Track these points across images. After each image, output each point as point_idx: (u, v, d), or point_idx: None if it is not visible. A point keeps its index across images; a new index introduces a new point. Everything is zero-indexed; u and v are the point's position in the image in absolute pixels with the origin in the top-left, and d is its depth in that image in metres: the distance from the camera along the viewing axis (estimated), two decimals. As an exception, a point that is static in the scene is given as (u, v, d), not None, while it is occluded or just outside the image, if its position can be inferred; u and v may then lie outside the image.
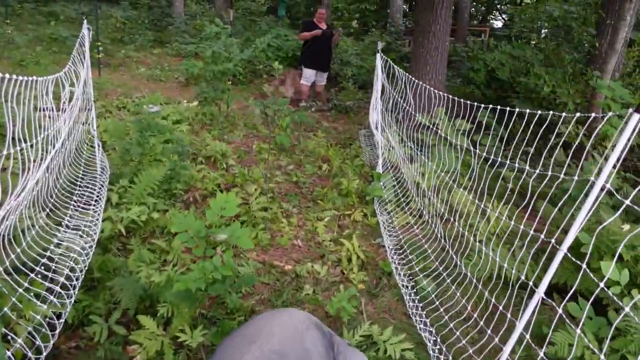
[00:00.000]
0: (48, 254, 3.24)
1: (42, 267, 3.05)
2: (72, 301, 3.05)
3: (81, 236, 3.68)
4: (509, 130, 3.82)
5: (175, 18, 15.12)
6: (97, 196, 4.40)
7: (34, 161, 2.98)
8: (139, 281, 3.25)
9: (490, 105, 3.31)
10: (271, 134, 7.52)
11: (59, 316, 2.87)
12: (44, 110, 3.84)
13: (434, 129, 5.68)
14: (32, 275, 2.88)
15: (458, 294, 3.63)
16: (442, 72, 8.14)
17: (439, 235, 4.38)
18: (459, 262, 3.84)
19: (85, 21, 5.55)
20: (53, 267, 3.17)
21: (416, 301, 3.73)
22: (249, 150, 6.85)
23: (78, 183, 4.39)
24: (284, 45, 10.09)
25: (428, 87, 5.39)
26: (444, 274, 3.91)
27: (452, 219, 4.62)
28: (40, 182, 3.40)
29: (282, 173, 6.12)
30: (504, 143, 3.99)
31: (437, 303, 3.66)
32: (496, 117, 3.33)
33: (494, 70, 8.16)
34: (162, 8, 15.63)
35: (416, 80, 5.42)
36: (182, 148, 4.82)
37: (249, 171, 5.76)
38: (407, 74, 5.88)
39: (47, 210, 3.69)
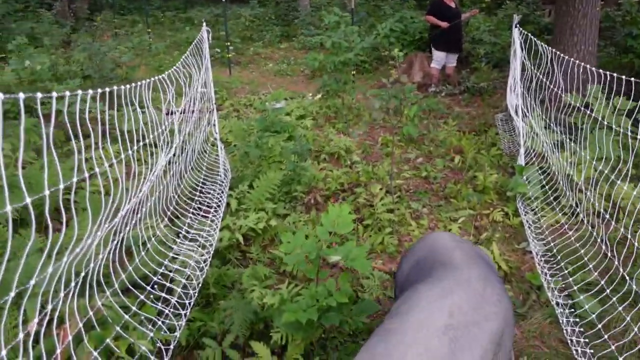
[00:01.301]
0: (162, 269, 3.07)
1: (155, 287, 2.88)
2: (184, 322, 2.84)
3: (198, 248, 3.50)
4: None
5: (301, 11, 15.02)
6: (218, 202, 4.23)
7: (149, 166, 2.81)
8: (251, 303, 2.96)
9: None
10: (398, 124, 7.03)
11: (168, 342, 2.66)
12: (170, 114, 3.72)
13: (587, 110, 4.83)
14: (142, 297, 2.71)
15: (628, 319, 2.90)
16: (593, 42, 7.03)
17: (598, 240, 3.63)
18: (626, 276, 3.09)
19: (204, 24, 5.43)
20: (167, 286, 2.99)
21: (574, 324, 3.06)
22: (374, 144, 6.40)
23: (199, 188, 4.25)
24: (409, 29, 9.46)
25: (577, 61, 4.56)
26: (607, 290, 3.17)
27: (613, 220, 3.83)
28: (158, 188, 3.25)
29: (410, 167, 5.60)
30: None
31: (600, 326, 2.95)
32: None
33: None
34: (288, 2, 15.63)
35: (562, 55, 4.60)
36: (302, 147, 4.50)
37: (373, 168, 5.32)
38: (550, 47, 5.06)
39: (166, 219, 3.55)
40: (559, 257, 3.67)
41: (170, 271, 3.12)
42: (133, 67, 9.20)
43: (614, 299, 3.06)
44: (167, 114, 3.78)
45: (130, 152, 2.53)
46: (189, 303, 2.97)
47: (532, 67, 5.13)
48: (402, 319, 1.88)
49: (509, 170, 5.42)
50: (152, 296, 2.82)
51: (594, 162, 3.97)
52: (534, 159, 4.93)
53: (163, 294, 2.85)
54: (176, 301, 2.91)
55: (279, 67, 11.29)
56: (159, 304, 2.80)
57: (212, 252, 3.51)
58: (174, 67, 3.52)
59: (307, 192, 4.70)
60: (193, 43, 4.52)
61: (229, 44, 10.90)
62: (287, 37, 14.11)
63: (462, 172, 5.41)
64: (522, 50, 5.30)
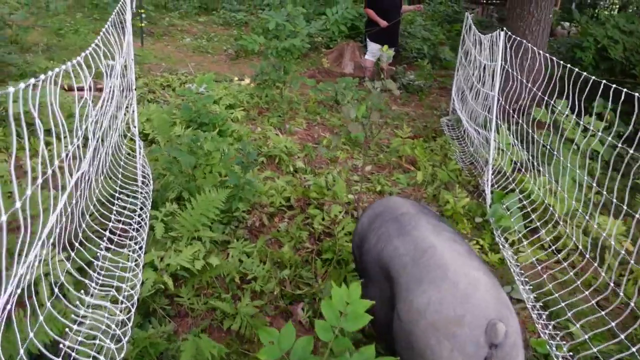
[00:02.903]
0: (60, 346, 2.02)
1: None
2: None
3: (114, 302, 2.46)
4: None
5: (223, -18, 13.68)
6: (137, 224, 3.17)
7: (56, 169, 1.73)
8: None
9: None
10: (341, 123, 6.19)
11: None
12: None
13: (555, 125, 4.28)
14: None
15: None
16: (543, 51, 6.59)
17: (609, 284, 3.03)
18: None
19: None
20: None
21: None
22: (316, 145, 5.53)
23: (115, 203, 3.16)
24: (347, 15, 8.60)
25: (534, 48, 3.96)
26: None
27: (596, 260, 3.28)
28: (63, 208, 2.17)
29: (361, 178, 4.79)
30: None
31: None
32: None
33: (605, 48, 6.57)
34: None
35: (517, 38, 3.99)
36: (248, 155, 3.53)
37: (324, 178, 4.46)
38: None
39: (73, 252, 2.46)
40: (563, 306, 3.02)
41: (71, 345, 2.09)
42: (26, 27, 7.58)
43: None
44: (68, 90, 2.68)
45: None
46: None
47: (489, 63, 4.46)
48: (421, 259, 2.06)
49: (468, 188, 4.78)
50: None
51: (559, 189, 3.38)
52: (502, 180, 4.29)
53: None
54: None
55: (197, 43, 10.01)
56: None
57: (135, 303, 2.50)
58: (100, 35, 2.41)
59: (249, 209, 3.74)
60: (117, 7, 3.36)
61: (142, 11, 9.46)
62: (207, 10, 12.74)
63: (421, 188, 4.69)
64: (491, 50, 4.63)
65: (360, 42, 9.81)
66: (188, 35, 10.65)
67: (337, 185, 4.12)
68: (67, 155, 2.04)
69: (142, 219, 3.26)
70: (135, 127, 3.91)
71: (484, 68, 4.91)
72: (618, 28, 6.75)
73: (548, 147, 3.88)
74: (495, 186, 4.34)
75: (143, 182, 3.70)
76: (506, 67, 3.98)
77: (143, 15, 9.59)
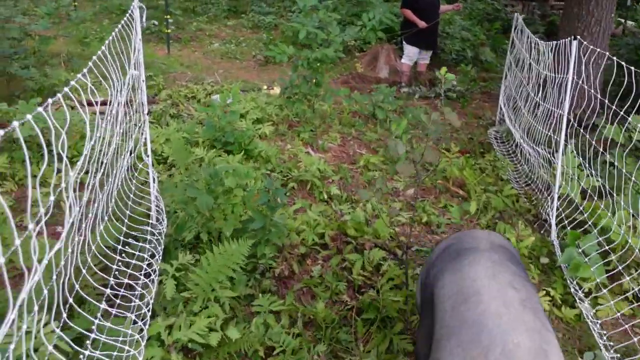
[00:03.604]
0: None
1: None
2: None
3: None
4: None
5: (252, -17, 13.15)
6: (146, 278, 2.64)
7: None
8: None
9: None
10: (379, 138, 5.58)
11: None
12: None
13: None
14: None
15: None
16: (603, 56, 5.85)
17: None
18: None
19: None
20: None
21: None
22: (351, 163, 4.94)
23: (119, 250, 2.65)
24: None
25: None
26: None
27: None
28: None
29: (404, 205, 4.19)
30: None
31: None
32: None
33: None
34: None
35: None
36: (275, 193, 2.96)
37: (360, 209, 3.88)
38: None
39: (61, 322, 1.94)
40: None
41: None
42: (47, 37, 7.18)
43: None
44: (89, 105, 2.19)
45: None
46: None
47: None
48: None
49: (528, 218, 4.13)
50: None
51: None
52: (570, 210, 3.62)
53: None
54: None
55: (226, 48, 9.51)
56: None
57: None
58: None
59: (277, 253, 3.19)
60: (121, 23, 2.84)
61: (168, 16, 9.02)
62: (236, 13, 12.22)
63: (474, 219, 4.06)
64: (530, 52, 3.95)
65: (396, 45, 9.16)
66: (216, 40, 10.17)
67: (377, 222, 3.52)
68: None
69: (152, 270, 2.74)
70: (148, 156, 3.39)
71: (545, 79, 4.25)
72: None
73: (624, 171, 3.21)
74: (562, 217, 3.68)
75: (157, 222, 3.19)
76: (579, 82, 3.33)
77: (170, 21, 9.15)
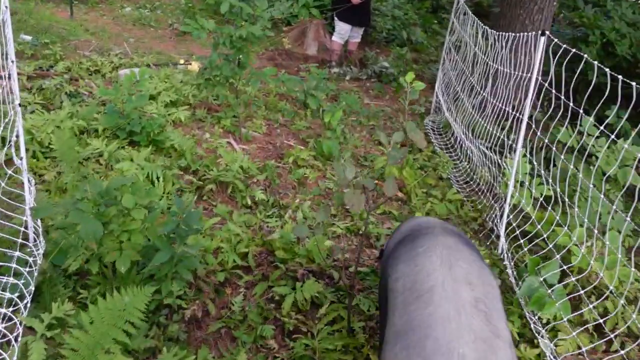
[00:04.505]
0: None
1: None
2: None
3: None
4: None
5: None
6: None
7: None
8: None
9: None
10: (309, 125, 4.97)
11: None
12: None
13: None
14: None
15: None
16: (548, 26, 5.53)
17: None
18: None
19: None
20: None
21: None
22: (279, 158, 4.32)
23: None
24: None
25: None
26: None
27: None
28: None
29: (338, 211, 3.64)
30: None
31: None
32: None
33: (611, 43, 5.56)
34: None
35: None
36: (189, 214, 2.29)
37: (289, 214, 3.29)
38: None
39: None
40: None
41: None
42: None
43: None
44: None
45: None
46: None
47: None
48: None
49: (473, 227, 3.71)
50: None
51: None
52: (519, 220, 3.22)
53: None
54: None
55: (139, 14, 8.44)
56: None
57: None
58: None
59: (187, 287, 2.53)
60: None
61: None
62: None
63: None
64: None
65: (325, 20, 8.50)
66: (128, 3, 9.04)
67: (311, 241, 2.94)
68: None
69: (13, 325, 2.01)
70: (21, 159, 2.59)
71: (496, 73, 3.80)
72: (624, 20, 5.75)
73: (579, 177, 2.83)
74: (513, 228, 3.28)
75: (33, 243, 2.43)
76: (545, 84, 2.88)
77: (74, -22, 7.95)
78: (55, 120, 3.70)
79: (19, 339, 1.96)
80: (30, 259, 2.32)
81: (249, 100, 4.71)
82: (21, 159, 2.59)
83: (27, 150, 3.51)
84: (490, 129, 3.71)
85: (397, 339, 1.59)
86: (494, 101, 3.72)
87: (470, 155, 4.32)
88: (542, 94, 3.61)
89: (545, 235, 3.03)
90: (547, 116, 3.13)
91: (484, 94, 3.96)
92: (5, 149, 2.42)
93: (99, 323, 1.88)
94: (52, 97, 4.58)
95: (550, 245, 2.88)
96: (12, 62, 2.46)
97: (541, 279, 2.65)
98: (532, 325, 2.65)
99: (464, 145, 4.49)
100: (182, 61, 6.36)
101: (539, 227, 3.11)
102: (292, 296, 2.55)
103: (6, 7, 2.35)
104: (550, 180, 3.16)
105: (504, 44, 3.56)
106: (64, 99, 4.54)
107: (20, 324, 2.01)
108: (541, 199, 3.32)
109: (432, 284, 1.66)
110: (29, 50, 5.68)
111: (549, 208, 3.12)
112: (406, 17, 9.18)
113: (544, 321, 2.73)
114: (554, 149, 2.98)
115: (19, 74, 4.83)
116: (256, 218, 3.33)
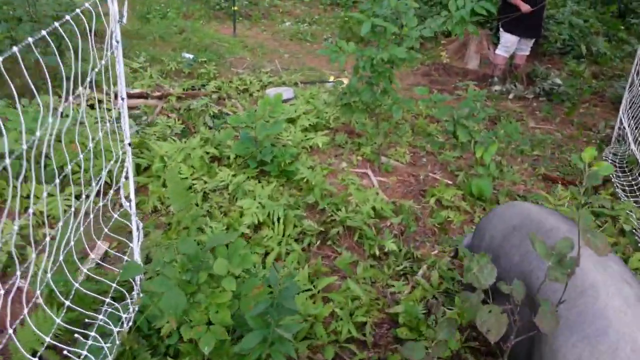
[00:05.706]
0: None
1: None
2: None
3: None
4: None
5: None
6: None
7: None
8: None
9: None
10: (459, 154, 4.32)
11: None
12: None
13: None
14: None
15: None
16: None
17: None
18: None
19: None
20: None
21: None
22: (420, 194, 3.75)
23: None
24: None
25: None
26: None
27: None
28: None
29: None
30: None
31: None
32: None
33: None
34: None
35: None
36: (284, 290, 1.86)
37: (422, 271, 2.71)
38: None
39: None
40: None
41: None
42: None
43: None
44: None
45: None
46: None
47: None
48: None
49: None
50: None
51: None
52: None
53: None
54: None
55: (297, 28, 8.38)
56: None
57: None
58: None
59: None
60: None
61: (239, -9, 8.01)
62: (315, -13, 11.01)
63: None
64: None
65: (490, 30, 7.64)
66: (289, 18, 9.06)
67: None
68: None
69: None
70: (130, 201, 2.40)
71: None
72: None
73: None
74: None
75: (130, 298, 2.20)
76: None
77: (239, -3, 8.15)
78: (186, 148, 3.55)
79: None
80: (124, 316, 2.09)
81: (389, 129, 4.18)
82: (130, 201, 2.40)
83: (158, 177, 3.44)
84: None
85: (571, 332, 1.63)
86: None
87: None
88: None
89: None
90: None
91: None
92: (112, 191, 2.23)
93: None
94: (196, 118, 4.53)
95: None
96: (123, 99, 2.26)
97: None
98: None
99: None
100: (332, 78, 6.07)
101: None
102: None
103: (117, 42, 2.15)
104: None
105: None
106: (207, 121, 4.48)
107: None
108: None
109: (592, 282, 1.72)
110: (186, 69, 5.80)
111: None
112: (586, 25, 7.89)
113: None
114: None
115: (169, 94, 4.91)
116: (383, 274, 2.82)
